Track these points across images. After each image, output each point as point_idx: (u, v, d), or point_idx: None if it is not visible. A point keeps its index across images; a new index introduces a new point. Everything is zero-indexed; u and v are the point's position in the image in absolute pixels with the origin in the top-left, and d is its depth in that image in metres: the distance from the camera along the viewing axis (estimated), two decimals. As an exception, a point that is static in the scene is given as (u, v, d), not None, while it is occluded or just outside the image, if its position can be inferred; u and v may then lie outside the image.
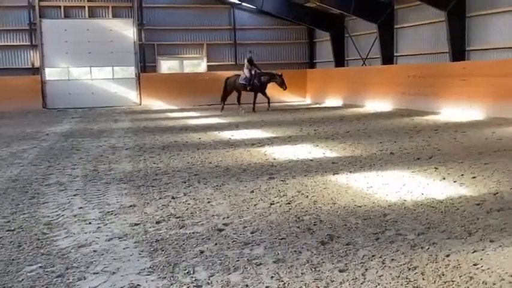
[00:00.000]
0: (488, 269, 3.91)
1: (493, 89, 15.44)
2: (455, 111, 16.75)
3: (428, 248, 4.41)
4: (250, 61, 21.39)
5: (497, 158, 8.79)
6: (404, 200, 6.08)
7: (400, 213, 5.53)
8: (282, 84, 21.27)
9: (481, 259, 4.11)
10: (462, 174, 7.48)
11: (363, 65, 25.05)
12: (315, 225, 5.20)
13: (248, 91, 21.37)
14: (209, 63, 28.85)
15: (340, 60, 27.05)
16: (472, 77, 16.54)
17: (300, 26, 29.29)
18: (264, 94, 21.40)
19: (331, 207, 5.89)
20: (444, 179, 7.25)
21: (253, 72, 21.11)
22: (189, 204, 6.22)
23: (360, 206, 5.87)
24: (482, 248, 4.35)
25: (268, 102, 21.47)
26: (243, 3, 28.44)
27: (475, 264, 4.00)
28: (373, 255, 4.28)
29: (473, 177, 7.25)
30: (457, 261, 4.09)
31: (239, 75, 21.46)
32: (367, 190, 6.69)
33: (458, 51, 18.60)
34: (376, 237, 4.75)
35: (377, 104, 21.56)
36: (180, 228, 5.21)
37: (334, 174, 7.82)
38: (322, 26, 27.48)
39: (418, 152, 9.66)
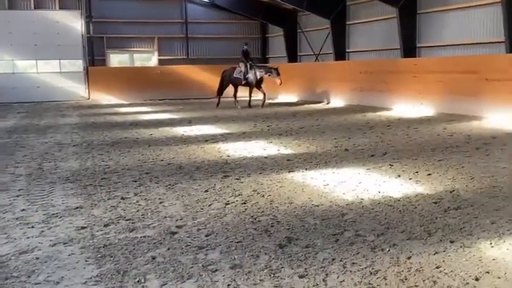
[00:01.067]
0: (451, 271, 3.80)
1: (443, 85, 15.66)
2: (406, 107, 16.92)
3: (389, 250, 4.28)
4: (245, 54, 20.13)
5: (450, 154, 8.84)
6: (362, 199, 5.97)
7: (358, 213, 5.41)
8: (277, 78, 19.97)
9: (443, 261, 4.00)
10: (417, 172, 7.45)
11: (315, 61, 25.09)
12: (272, 226, 5.01)
13: (244, 85, 20.23)
14: (160, 57, 28.36)
15: (293, 55, 27.06)
16: (422, 74, 16.74)
17: (253, 21, 29.12)
18: (260, 89, 20.24)
19: (288, 206, 5.72)
20: (399, 176, 7.21)
21: (248, 66, 19.89)
22: (139, 205, 5.93)
23: (318, 206, 5.72)
24: (443, 249, 4.25)
25: (264, 98, 20.29)
26: (195, -3, 28.08)
27: (437, 267, 3.89)
28: (333, 259, 4.12)
29: (429, 174, 7.23)
30: (419, 263, 3.97)
31: (236, 68, 20.20)
32: (323, 188, 6.56)
33: (410, 47, 18.82)
34: (336, 239, 4.59)
35: (330, 99, 21.60)
36: (130, 232, 4.92)
37: (289, 171, 7.67)
38: (275, 21, 27.43)
39: (372, 149, 9.63)
